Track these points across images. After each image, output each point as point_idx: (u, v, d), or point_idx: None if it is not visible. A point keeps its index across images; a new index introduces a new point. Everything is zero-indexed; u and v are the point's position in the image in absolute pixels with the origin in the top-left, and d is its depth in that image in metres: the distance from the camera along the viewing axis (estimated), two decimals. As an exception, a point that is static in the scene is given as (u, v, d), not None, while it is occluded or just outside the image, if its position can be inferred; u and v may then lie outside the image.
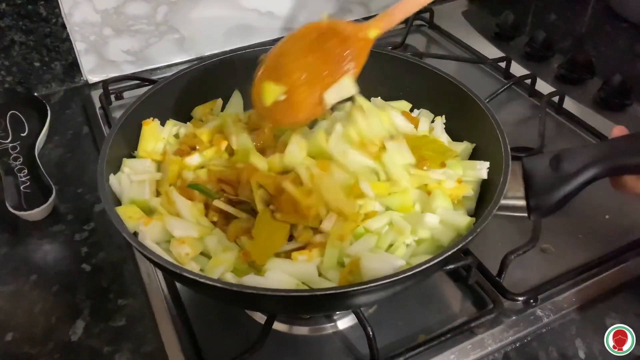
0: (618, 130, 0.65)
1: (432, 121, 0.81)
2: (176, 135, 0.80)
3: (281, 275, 0.59)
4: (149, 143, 0.76)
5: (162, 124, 0.80)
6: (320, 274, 0.61)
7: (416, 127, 0.77)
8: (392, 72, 0.84)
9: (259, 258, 0.60)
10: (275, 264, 0.60)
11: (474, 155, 0.75)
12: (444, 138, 0.77)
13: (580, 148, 0.62)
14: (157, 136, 0.77)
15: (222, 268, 0.60)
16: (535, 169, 0.63)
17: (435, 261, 0.53)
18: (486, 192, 0.69)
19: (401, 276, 0.52)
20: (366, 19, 1.27)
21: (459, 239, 0.56)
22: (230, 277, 0.60)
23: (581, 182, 0.60)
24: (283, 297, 0.53)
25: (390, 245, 0.63)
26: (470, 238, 0.56)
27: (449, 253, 0.54)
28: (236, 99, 0.86)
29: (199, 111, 0.84)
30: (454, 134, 0.79)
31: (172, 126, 0.80)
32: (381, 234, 0.63)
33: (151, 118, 0.77)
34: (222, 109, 0.86)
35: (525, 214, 0.63)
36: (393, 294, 0.59)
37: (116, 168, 0.71)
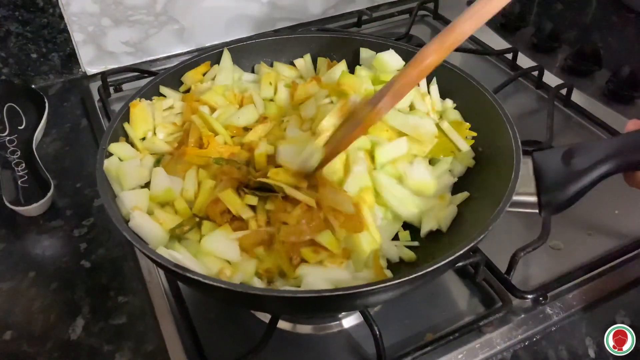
0: (632, 125, 0.63)
1: None
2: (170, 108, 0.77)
3: (316, 281, 0.58)
4: (140, 127, 0.72)
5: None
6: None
7: None
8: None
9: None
10: (307, 271, 0.59)
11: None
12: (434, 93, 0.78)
13: (593, 143, 0.61)
14: (147, 118, 0.73)
15: (240, 275, 0.59)
16: (546, 164, 0.61)
17: (446, 260, 0.51)
18: (496, 187, 0.67)
19: (411, 277, 0.50)
20: (369, 9, 1.25)
21: (469, 240, 0.54)
22: (257, 283, 0.59)
23: (595, 178, 0.58)
24: (289, 298, 0.51)
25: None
26: (482, 236, 0.54)
27: (461, 252, 0.52)
28: (226, 62, 0.82)
29: (189, 77, 0.81)
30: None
31: (161, 108, 0.75)
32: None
33: (139, 99, 0.74)
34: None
35: (535, 210, 0.61)
36: (402, 294, 0.58)
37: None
